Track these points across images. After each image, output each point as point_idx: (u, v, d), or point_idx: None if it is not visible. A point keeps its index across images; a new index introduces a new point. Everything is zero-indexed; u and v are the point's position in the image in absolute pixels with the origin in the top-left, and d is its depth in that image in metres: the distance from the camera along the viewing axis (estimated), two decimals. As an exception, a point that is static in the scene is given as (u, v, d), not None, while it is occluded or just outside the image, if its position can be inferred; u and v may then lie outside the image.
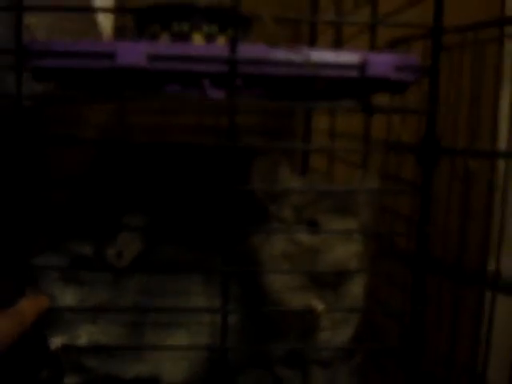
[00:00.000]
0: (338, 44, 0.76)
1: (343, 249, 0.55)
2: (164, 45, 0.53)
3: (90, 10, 0.75)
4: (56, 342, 0.55)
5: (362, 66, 0.49)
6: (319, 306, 0.54)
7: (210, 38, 0.56)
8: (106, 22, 0.82)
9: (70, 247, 0.57)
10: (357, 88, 0.55)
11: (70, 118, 0.87)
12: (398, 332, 0.60)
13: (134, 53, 0.47)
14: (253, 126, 0.77)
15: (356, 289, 0.59)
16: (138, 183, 0.50)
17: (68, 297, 0.55)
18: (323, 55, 0.49)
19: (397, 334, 0.61)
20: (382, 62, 0.50)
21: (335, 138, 0.84)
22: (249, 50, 0.48)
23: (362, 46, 0.66)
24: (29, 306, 0.49)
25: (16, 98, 0.48)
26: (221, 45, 0.57)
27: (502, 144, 0.82)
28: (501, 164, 0.74)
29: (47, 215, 0.59)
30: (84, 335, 0.57)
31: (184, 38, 0.56)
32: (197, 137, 0.90)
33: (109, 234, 0.58)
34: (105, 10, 0.81)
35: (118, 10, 0.90)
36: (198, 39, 0.57)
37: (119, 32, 0.83)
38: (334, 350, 0.61)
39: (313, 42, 0.85)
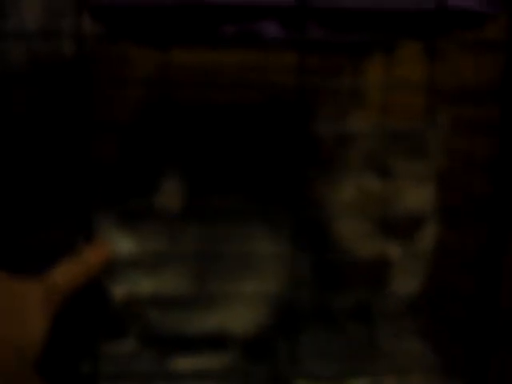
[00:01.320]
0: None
1: (416, 195, 0.52)
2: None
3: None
4: (120, 292, 0.54)
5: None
6: (392, 253, 0.51)
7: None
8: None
9: (124, 197, 0.55)
10: (430, 24, 0.52)
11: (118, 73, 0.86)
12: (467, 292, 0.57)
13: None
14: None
15: (428, 237, 0.57)
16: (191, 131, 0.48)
17: (126, 245, 0.54)
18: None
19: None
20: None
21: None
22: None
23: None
24: (94, 255, 0.48)
25: (77, 38, 0.46)
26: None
27: None
28: None
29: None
30: (145, 288, 0.55)
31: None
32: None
33: (155, 184, 0.56)
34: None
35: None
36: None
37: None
38: (403, 303, 0.59)
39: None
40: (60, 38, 0.67)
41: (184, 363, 0.57)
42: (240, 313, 0.57)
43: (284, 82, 0.49)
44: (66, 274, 0.44)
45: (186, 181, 0.56)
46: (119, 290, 0.54)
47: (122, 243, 0.54)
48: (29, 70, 0.65)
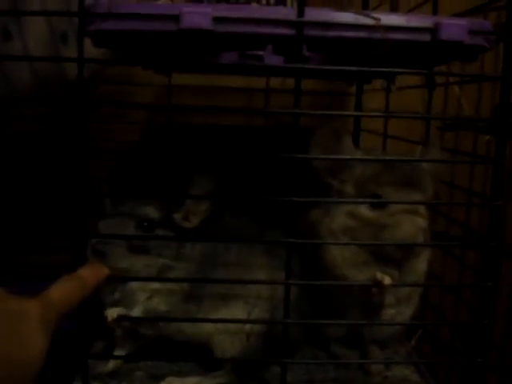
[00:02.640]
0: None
1: (410, 224, 0.53)
2: (229, 7, 0.51)
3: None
4: (112, 312, 0.54)
5: (435, 29, 0.47)
6: (386, 279, 0.52)
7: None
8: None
9: (135, 211, 0.56)
10: (425, 56, 0.53)
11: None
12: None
13: (200, 14, 0.45)
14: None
15: (420, 265, 0.57)
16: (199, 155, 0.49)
17: (136, 267, 0.55)
18: (394, 18, 0.47)
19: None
20: (456, 26, 0.47)
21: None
22: (316, 13, 0.47)
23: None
24: (89, 273, 0.48)
25: (78, 62, 0.47)
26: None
27: None
28: None
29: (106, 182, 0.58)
30: (140, 305, 0.56)
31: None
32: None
33: (175, 199, 0.57)
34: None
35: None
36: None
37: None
38: (394, 330, 0.59)
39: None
40: (62, 61, 0.69)
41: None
42: (231, 336, 0.57)
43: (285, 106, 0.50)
44: (62, 292, 0.44)
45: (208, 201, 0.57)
46: (114, 309, 0.55)
47: (128, 260, 0.54)
48: (32, 92, 0.66)
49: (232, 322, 0.57)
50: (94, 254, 0.52)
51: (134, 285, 0.56)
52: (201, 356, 0.58)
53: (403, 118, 0.81)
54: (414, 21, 0.48)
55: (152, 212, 0.56)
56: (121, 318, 0.54)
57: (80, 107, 0.47)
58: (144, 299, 0.56)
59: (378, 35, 0.47)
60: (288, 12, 0.47)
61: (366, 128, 0.86)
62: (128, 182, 0.57)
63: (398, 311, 0.58)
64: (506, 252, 0.68)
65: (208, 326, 0.57)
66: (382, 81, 0.80)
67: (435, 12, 0.68)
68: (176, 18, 0.45)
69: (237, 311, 0.57)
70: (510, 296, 0.77)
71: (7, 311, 0.39)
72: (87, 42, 0.49)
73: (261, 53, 0.53)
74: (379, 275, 0.52)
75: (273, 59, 0.52)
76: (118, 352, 0.60)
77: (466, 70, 0.57)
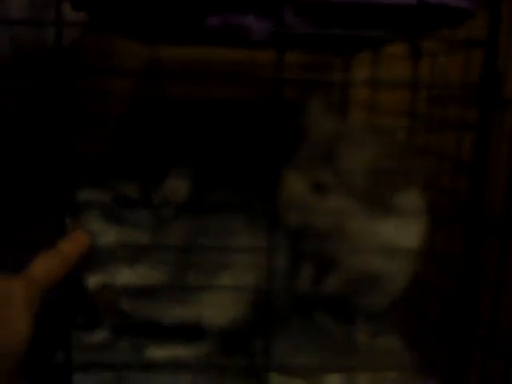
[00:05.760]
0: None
1: None
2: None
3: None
4: (94, 281, 0.53)
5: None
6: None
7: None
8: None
9: (114, 186, 0.55)
10: (411, 21, 0.52)
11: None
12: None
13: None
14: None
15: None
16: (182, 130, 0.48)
17: (108, 236, 0.53)
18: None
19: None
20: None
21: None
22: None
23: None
24: (70, 246, 0.47)
25: (56, 25, 0.45)
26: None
27: None
28: None
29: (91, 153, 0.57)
30: (121, 278, 0.55)
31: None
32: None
33: (156, 178, 0.56)
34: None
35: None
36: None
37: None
38: (380, 302, 0.59)
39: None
40: (42, 26, 0.67)
41: (159, 353, 0.57)
42: (217, 305, 0.56)
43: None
44: (44, 268, 0.44)
45: (189, 182, 0.56)
46: (94, 280, 0.54)
47: (104, 232, 0.54)
48: (11, 58, 0.65)
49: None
50: (68, 217, 0.50)
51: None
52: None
53: (391, 90, 0.80)
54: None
55: (131, 191, 0.55)
56: (103, 287, 0.54)
57: (58, 73, 0.46)
58: (124, 274, 0.55)
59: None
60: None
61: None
62: (112, 155, 0.56)
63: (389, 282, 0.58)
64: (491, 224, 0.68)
65: (197, 306, 0.56)
66: (369, 53, 0.80)
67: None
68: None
69: (224, 282, 0.56)
70: (497, 269, 0.77)
71: None
72: (67, 8, 0.48)
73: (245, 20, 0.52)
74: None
75: (257, 26, 0.52)
76: (103, 325, 0.59)
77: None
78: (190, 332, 0.58)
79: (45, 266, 0.44)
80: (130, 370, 0.55)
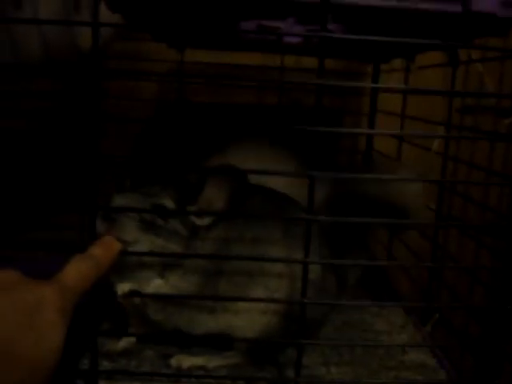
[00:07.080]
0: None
1: None
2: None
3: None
4: (123, 287, 0.52)
5: (466, 0, 0.45)
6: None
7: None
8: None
9: (150, 192, 0.54)
10: (455, 29, 0.51)
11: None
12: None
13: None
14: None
15: None
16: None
17: (141, 245, 0.52)
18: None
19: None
20: (489, -4, 0.45)
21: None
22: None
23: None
24: (102, 252, 0.45)
25: (93, 25, 0.44)
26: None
27: None
28: None
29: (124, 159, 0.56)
30: (150, 286, 0.54)
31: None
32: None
33: (193, 189, 0.55)
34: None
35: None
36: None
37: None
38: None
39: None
40: (75, 29, 0.66)
41: (186, 362, 0.55)
42: (247, 315, 0.55)
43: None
44: (77, 274, 0.41)
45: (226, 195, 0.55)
46: (124, 287, 0.53)
47: (139, 240, 0.52)
48: (42, 61, 0.64)
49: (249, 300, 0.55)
50: (103, 221, 0.49)
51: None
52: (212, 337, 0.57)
53: (423, 100, 0.78)
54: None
55: (168, 201, 0.54)
56: (132, 294, 0.53)
57: (94, 74, 0.45)
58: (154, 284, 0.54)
59: (407, 4, 0.45)
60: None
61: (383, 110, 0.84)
62: (148, 164, 0.55)
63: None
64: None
65: (227, 316, 0.55)
66: (401, 61, 0.78)
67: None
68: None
69: (257, 294, 0.55)
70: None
71: (23, 301, 0.35)
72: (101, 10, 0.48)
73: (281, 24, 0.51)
74: None
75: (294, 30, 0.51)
76: (130, 331, 0.58)
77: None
78: (218, 342, 0.57)
79: (78, 272, 0.41)
80: (155, 379, 0.53)
